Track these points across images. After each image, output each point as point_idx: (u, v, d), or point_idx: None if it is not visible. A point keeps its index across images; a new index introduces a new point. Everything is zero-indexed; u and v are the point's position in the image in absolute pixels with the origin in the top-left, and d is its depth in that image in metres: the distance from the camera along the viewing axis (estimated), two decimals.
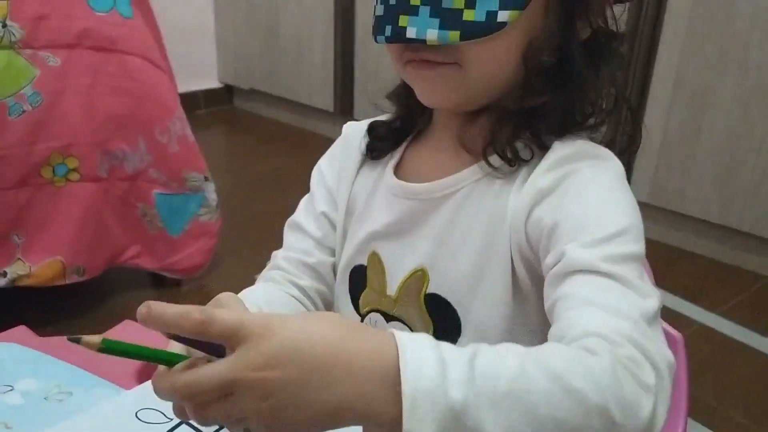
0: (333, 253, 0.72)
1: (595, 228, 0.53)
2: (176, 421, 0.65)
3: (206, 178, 1.85)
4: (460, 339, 0.63)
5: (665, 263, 2.15)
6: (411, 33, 0.57)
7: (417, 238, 0.65)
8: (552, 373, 0.42)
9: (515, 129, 0.60)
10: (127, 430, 0.64)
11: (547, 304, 0.55)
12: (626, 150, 0.62)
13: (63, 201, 1.64)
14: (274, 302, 0.66)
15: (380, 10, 0.60)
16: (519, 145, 0.60)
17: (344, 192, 0.72)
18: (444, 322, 0.64)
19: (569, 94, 0.59)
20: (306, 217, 0.73)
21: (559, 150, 0.59)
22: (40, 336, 0.80)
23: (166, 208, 1.80)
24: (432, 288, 0.65)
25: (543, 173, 0.58)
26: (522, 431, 0.41)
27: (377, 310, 0.68)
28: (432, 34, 0.56)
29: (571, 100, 0.60)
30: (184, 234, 1.85)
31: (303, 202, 0.75)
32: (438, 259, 0.64)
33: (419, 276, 0.65)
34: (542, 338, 0.53)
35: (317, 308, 0.71)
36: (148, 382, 0.66)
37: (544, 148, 0.59)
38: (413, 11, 0.57)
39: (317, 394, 0.40)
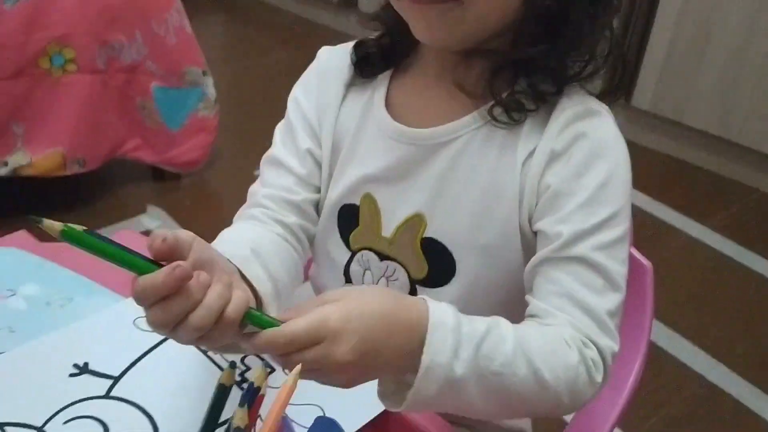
0: (317, 190, 0.70)
1: (594, 209, 0.58)
2: None
3: (204, 73, 1.83)
4: (452, 281, 0.65)
5: (663, 174, 2.17)
6: None
7: (414, 184, 0.65)
8: (532, 365, 0.53)
9: (513, 77, 0.60)
10: (125, 337, 0.68)
11: (530, 266, 0.60)
12: (614, 98, 0.62)
13: (62, 92, 1.64)
14: (264, 244, 0.62)
15: None
16: (521, 96, 0.60)
17: (328, 127, 0.68)
18: (439, 265, 0.65)
19: (566, 43, 0.58)
20: (287, 152, 0.69)
21: (569, 109, 0.59)
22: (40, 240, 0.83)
23: (164, 102, 1.80)
24: (429, 233, 0.65)
25: (555, 135, 0.59)
26: (493, 401, 0.54)
27: (370, 249, 0.68)
28: None
29: (568, 49, 0.59)
30: (183, 129, 1.86)
31: (280, 134, 0.71)
32: (436, 207, 0.64)
33: (416, 221, 0.65)
34: (522, 295, 0.61)
35: (302, 246, 0.68)
36: (113, 309, 0.70)
37: (543, 100, 0.60)
38: None
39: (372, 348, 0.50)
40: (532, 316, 0.59)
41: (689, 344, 1.56)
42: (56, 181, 1.72)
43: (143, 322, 0.67)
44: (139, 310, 0.68)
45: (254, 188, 0.71)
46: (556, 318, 0.57)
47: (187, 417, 0.61)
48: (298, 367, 0.45)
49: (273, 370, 0.57)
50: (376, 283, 0.68)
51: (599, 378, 0.56)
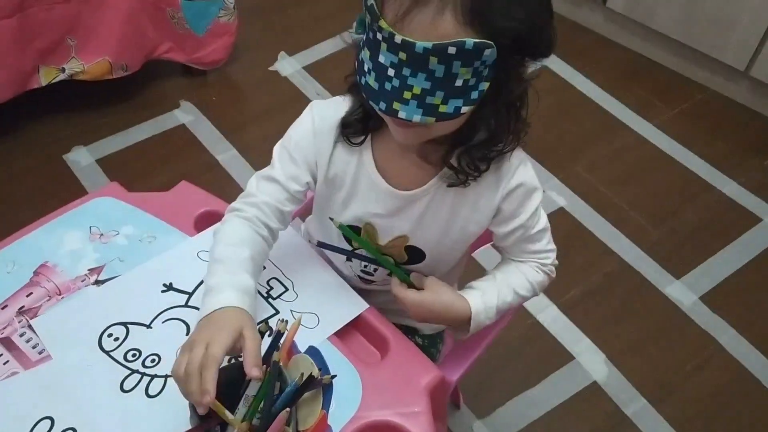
0: (300, 203, 0.99)
1: (534, 232, 1.00)
2: None
3: None
4: (422, 263, 1.02)
5: (626, 70, 2.42)
6: (402, 115, 0.79)
7: (401, 219, 0.97)
8: (518, 295, 1.01)
9: (460, 154, 0.90)
10: (192, 264, 1.06)
11: (500, 243, 1.04)
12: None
13: (105, 9, 1.93)
14: (246, 241, 0.95)
15: (374, 84, 0.79)
16: (466, 167, 0.90)
17: (323, 171, 0.96)
18: (414, 255, 1.01)
19: (496, 137, 0.88)
20: (287, 178, 0.96)
21: (514, 179, 0.94)
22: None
23: (190, 12, 2.08)
24: (410, 243, 0.99)
25: (504, 196, 0.95)
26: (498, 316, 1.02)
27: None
28: (417, 118, 0.79)
29: (497, 141, 0.89)
30: (207, 33, 2.14)
31: (280, 161, 0.97)
32: (416, 231, 0.98)
33: (402, 239, 0.99)
34: (459, 262, 1.09)
35: (274, 242, 1.00)
36: (204, 232, 1.09)
37: (480, 172, 0.91)
38: (405, 102, 0.79)
39: (434, 315, 0.99)
40: (507, 259, 1.04)
41: (612, 228, 1.93)
42: (105, 80, 2.05)
43: (204, 255, 1.07)
44: (202, 245, 1.08)
45: (251, 190, 0.99)
46: (525, 263, 1.03)
47: None
48: (299, 319, 0.86)
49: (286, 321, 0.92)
50: (371, 265, 1.05)
51: (553, 275, 1.05)
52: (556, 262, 1.03)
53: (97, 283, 1.04)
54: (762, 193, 2.03)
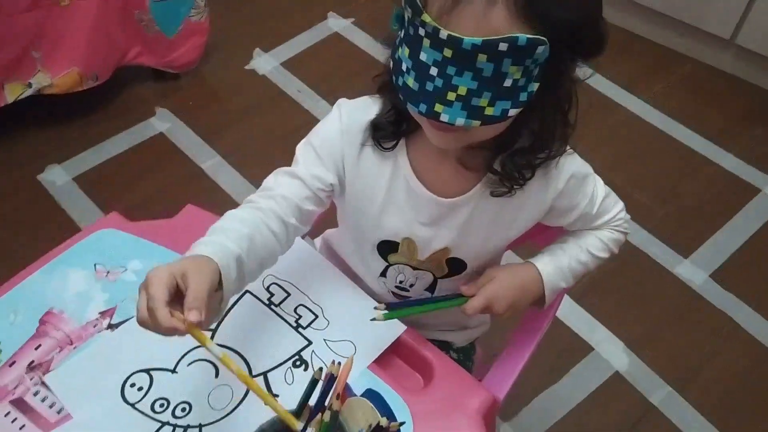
0: (322, 204, 0.90)
1: (598, 210, 0.96)
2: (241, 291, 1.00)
3: None
4: (463, 273, 0.96)
5: (615, 48, 2.38)
6: (444, 118, 0.73)
7: (442, 228, 0.90)
8: (592, 255, 0.97)
9: (503, 160, 0.84)
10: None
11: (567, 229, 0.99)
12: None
13: (70, 18, 1.81)
14: (248, 222, 0.84)
15: (414, 85, 0.73)
16: (511, 173, 0.85)
17: (351, 172, 0.89)
18: (455, 268, 0.95)
19: (539, 143, 0.83)
20: (311, 176, 0.88)
21: (563, 176, 0.89)
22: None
23: (159, 13, 1.96)
24: (452, 255, 0.93)
25: (556, 196, 0.90)
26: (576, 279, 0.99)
27: (405, 264, 0.96)
28: (460, 122, 0.73)
29: (541, 147, 0.83)
30: (178, 34, 2.03)
31: (304, 159, 0.89)
32: (459, 242, 0.92)
33: (444, 251, 0.93)
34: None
35: (289, 242, 0.89)
36: None
37: (525, 181, 0.86)
38: (448, 104, 0.72)
39: (515, 299, 0.94)
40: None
41: None
42: (75, 92, 1.93)
43: None
44: None
45: (269, 184, 0.90)
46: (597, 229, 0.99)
47: (264, 352, 0.92)
48: (351, 357, 0.78)
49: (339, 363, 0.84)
50: (407, 280, 0.99)
51: (627, 227, 1.00)
52: (628, 216, 0.99)
53: (111, 327, 0.95)
54: (758, 164, 2.02)
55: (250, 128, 2.06)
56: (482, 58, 0.70)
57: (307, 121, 2.07)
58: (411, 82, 0.74)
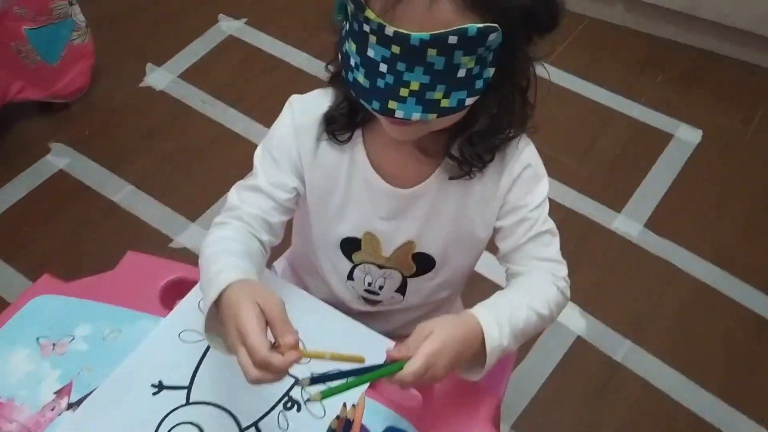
0: (290, 212, 0.89)
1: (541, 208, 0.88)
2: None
3: (71, 2, 1.82)
4: (432, 271, 0.92)
5: None
6: (399, 114, 0.71)
7: (404, 222, 0.87)
8: (537, 313, 0.83)
9: (462, 143, 0.80)
10: (177, 351, 0.90)
11: (504, 251, 0.90)
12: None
13: None
14: (237, 239, 0.83)
15: (364, 82, 0.70)
16: (470, 158, 0.81)
17: (309, 174, 0.86)
18: (424, 265, 0.91)
19: (502, 120, 0.79)
20: (271, 186, 0.85)
21: (520, 162, 0.85)
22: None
23: (39, 42, 1.80)
24: (417, 249, 0.90)
25: (510, 184, 0.85)
26: (521, 339, 0.82)
27: (370, 263, 0.92)
28: (416, 116, 0.71)
29: (501, 129, 0.80)
30: (62, 61, 1.87)
31: (263, 168, 0.86)
32: (424, 234, 0.88)
33: (408, 245, 0.89)
34: (470, 266, 0.97)
35: (265, 256, 0.87)
36: (179, 306, 0.92)
37: (485, 164, 0.82)
38: (402, 100, 0.70)
39: (457, 355, 0.75)
40: (515, 274, 0.89)
41: None
42: None
43: (188, 335, 0.91)
44: (182, 324, 0.91)
45: (234, 203, 0.87)
46: (535, 272, 0.87)
47: (250, 402, 0.85)
48: (363, 396, 0.72)
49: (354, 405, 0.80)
50: (376, 282, 0.94)
51: (568, 293, 0.89)
52: (569, 280, 0.89)
53: (71, 407, 0.85)
54: (666, 110, 2.08)
55: (158, 150, 1.93)
56: (432, 52, 0.68)
57: (220, 133, 1.98)
58: (361, 78, 0.72)
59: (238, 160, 1.90)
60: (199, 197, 1.80)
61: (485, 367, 0.78)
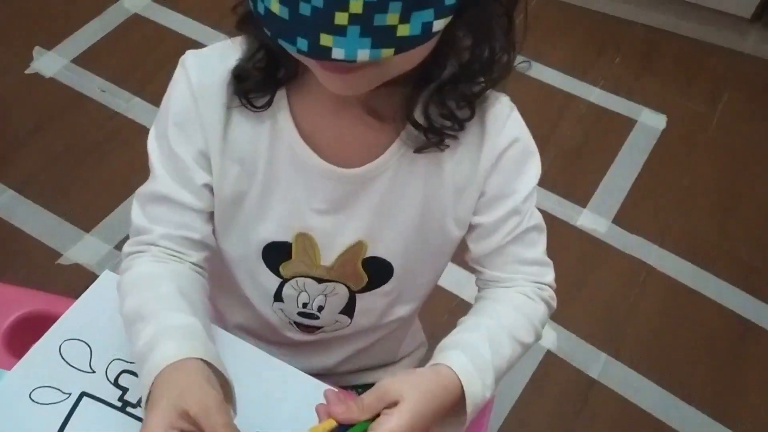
0: (211, 213, 0.67)
1: (529, 227, 0.69)
2: (76, 395, 0.65)
3: None
4: (388, 282, 0.70)
5: None
6: (338, 54, 0.49)
7: (351, 216, 0.65)
8: (522, 343, 0.66)
9: (428, 99, 0.59)
10: (26, 415, 0.64)
11: (481, 252, 0.69)
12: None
13: None
14: (162, 276, 0.63)
15: (281, 11, 0.49)
16: (439, 122, 0.60)
17: (218, 155, 0.63)
18: (378, 274, 0.69)
19: (473, 70, 0.58)
20: (178, 187, 0.64)
21: (506, 132, 0.64)
22: None
23: None
24: (370, 253, 0.67)
25: (494, 161, 0.65)
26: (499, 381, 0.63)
27: (305, 276, 0.69)
28: (363, 54, 0.49)
29: (476, 75, 0.59)
30: None
31: (162, 166, 0.64)
32: (377, 229, 0.66)
33: (358, 247, 0.67)
34: (437, 273, 0.75)
35: (203, 277, 0.67)
36: (30, 355, 0.65)
37: (462, 126, 0.61)
38: (339, 31, 0.48)
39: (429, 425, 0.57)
40: (492, 281, 0.70)
41: None
42: None
43: (40, 394, 0.64)
44: (32, 381, 0.65)
45: (140, 224, 0.66)
46: (514, 280, 0.69)
47: None
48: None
49: None
50: (313, 302, 0.71)
51: (554, 303, 0.71)
52: (555, 284, 0.72)
53: None
54: (625, 93, 1.90)
55: (46, 147, 1.63)
56: None
57: (121, 125, 1.67)
58: (276, 6, 0.50)
59: (143, 157, 1.61)
60: (94, 203, 1.52)
61: (465, 424, 0.60)
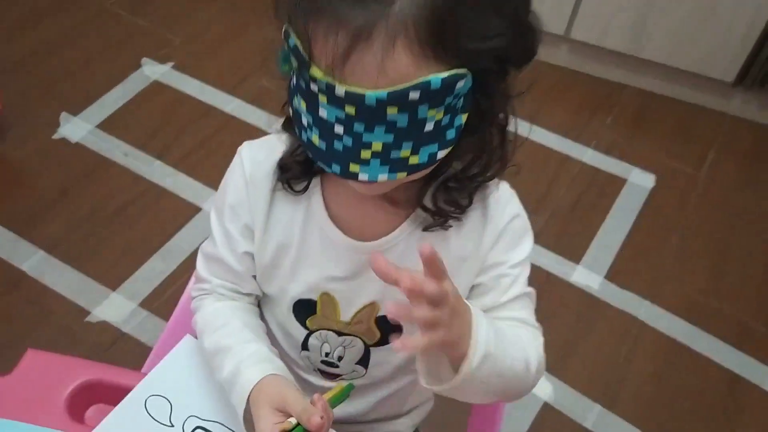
0: (254, 275, 0.82)
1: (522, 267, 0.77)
2: None
3: None
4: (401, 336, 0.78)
5: None
6: (364, 177, 0.62)
7: (366, 281, 0.76)
8: (526, 360, 0.69)
9: (436, 190, 0.71)
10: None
11: (487, 303, 0.76)
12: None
13: None
14: (230, 314, 0.80)
15: (320, 144, 0.62)
16: (444, 207, 0.71)
17: (261, 228, 0.77)
18: (390, 330, 0.79)
19: (479, 159, 0.69)
20: (227, 253, 0.79)
21: (508, 211, 0.75)
22: None
23: None
24: (382, 312, 0.78)
25: (496, 236, 0.75)
26: (500, 372, 0.66)
27: (327, 329, 0.81)
28: (383, 177, 0.63)
29: (477, 172, 0.70)
30: None
31: (219, 234, 0.80)
32: (388, 294, 0.76)
33: (371, 307, 0.78)
34: None
35: (257, 307, 0.85)
36: (119, 407, 0.76)
37: (463, 211, 0.73)
38: (364, 162, 0.62)
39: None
40: None
41: None
42: None
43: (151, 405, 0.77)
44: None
45: (202, 274, 0.83)
46: (518, 328, 0.74)
47: None
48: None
49: None
50: (334, 352, 0.83)
51: (544, 367, 0.74)
52: (542, 352, 0.75)
53: None
54: (617, 153, 2.02)
55: (74, 209, 1.73)
56: (392, 110, 0.59)
57: (145, 189, 1.79)
58: (316, 140, 0.63)
59: (165, 218, 1.74)
60: (120, 262, 1.62)
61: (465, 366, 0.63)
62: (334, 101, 0.59)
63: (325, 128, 0.62)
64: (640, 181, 1.95)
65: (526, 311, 0.78)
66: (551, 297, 1.67)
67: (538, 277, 1.66)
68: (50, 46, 2.10)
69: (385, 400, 0.89)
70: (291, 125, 0.71)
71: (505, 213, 0.76)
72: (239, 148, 0.79)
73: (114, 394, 0.79)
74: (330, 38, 0.57)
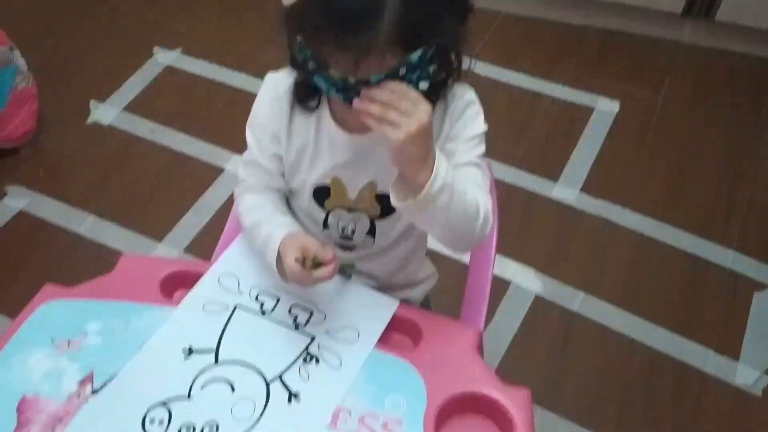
0: (283, 175, 1.04)
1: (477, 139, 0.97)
2: (231, 306, 0.99)
3: (11, 48, 1.86)
4: (397, 212, 0.94)
5: None
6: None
7: (365, 165, 0.97)
8: (475, 196, 0.89)
9: None
10: (201, 321, 0.97)
11: None
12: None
13: None
14: (263, 201, 1.05)
15: (333, 94, 0.85)
16: None
17: (285, 137, 0.99)
18: (388, 206, 0.96)
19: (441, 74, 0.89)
20: (264, 157, 1.01)
21: (455, 109, 0.95)
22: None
23: None
24: (380, 189, 0.99)
25: (450, 126, 0.95)
26: (455, 204, 0.86)
27: (341, 207, 1.03)
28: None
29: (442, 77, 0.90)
30: (8, 106, 1.91)
31: (251, 140, 1.01)
32: (383, 175, 0.96)
33: (371, 185, 0.99)
34: None
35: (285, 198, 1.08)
36: (199, 284, 1.02)
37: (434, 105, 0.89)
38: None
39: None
40: None
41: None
42: None
43: (209, 306, 1.00)
44: (203, 300, 1.01)
45: (242, 176, 1.07)
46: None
47: (272, 358, 0.93)
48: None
49: None
50: (348, 226, 1.05)
51: (489, 228, 0.93)
52: (489, 219, 0.92)
53: (96, 392, 0.91)
54: (584, 87, 2.25)
55: (115, 180, 1.99)
56: (389, 80, 0.82)
57: (173, 159, 2.05)
58: (333, 94, 0.86)
59: (194, 180, 2.00)
60: (161, 219, 1.87)
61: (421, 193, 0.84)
62: (347, 87, 0.82)
63: (337, 99, 0.86)
64: (606, 108, 2.20)
65: (477, 176, 0.95)
66: (536, 211, 1.93)
67: (523, 196, 1.95)
68: (74, 46, 2.36)
69: (397, 267, 1.11)
70: (297, 65, 0.89)
71: (461, 100, 0.96)
72: (266, 76, 1.01)
73: (193, 281, 1.04)
74: (339, 56, 0.81)
